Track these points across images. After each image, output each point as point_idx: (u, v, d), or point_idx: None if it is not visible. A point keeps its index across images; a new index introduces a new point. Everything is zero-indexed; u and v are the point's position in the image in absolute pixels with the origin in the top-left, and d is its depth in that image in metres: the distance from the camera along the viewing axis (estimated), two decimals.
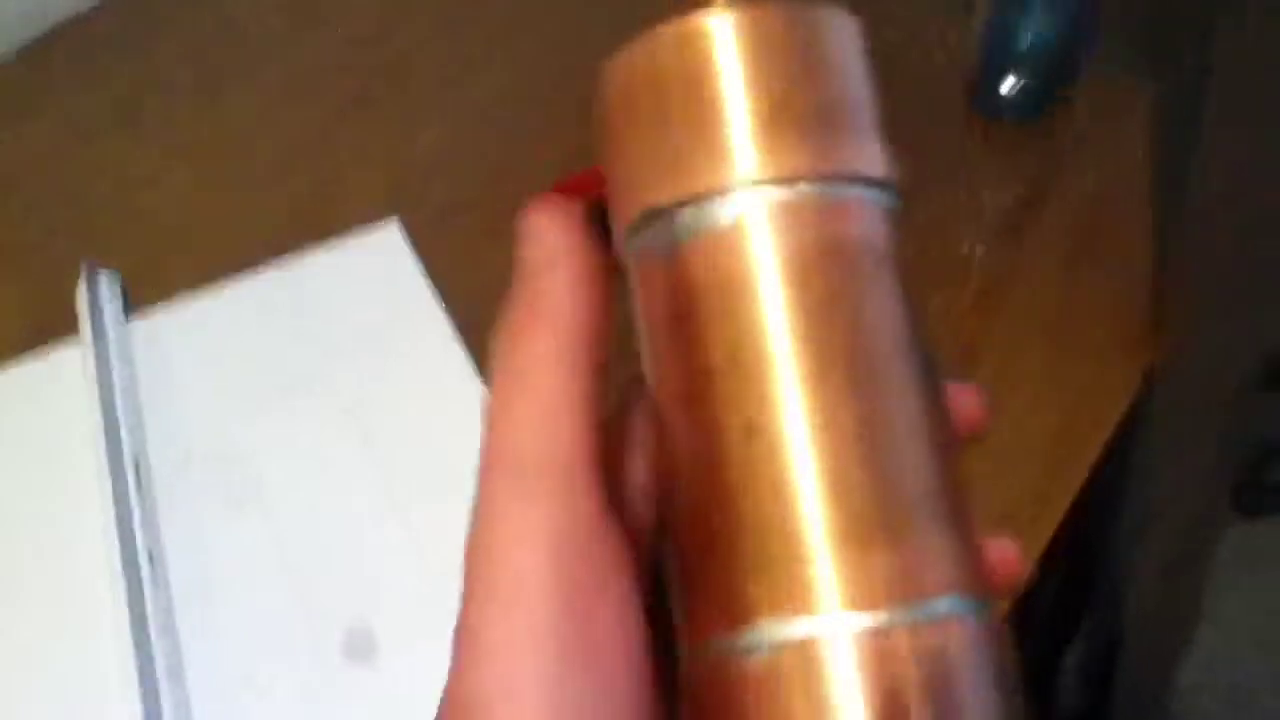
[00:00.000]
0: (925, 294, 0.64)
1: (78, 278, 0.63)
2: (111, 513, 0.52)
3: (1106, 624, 1.02)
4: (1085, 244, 0.61)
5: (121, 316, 0.62)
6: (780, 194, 0.21)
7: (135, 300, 0.64)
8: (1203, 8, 0.56)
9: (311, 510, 0.54)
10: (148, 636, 0.48)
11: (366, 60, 0.78)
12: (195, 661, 0.49)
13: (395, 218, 0.65)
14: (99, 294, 0.62)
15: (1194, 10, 0.60)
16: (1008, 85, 0.67)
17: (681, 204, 0.21)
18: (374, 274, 0.63)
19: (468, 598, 0.20)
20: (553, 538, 0.20)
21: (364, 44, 0.79)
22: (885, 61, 0.81)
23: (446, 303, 0.61)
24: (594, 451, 0.21)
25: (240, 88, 0.77)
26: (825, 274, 0.21)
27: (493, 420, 0.22)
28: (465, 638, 0.20)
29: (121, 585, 0.50)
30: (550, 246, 0.23)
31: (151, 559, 0.51)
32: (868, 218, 0.22)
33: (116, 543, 0.51)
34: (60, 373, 0.60)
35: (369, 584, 0.51)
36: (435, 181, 0.68)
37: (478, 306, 0.59)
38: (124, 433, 0.56)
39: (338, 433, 0.57)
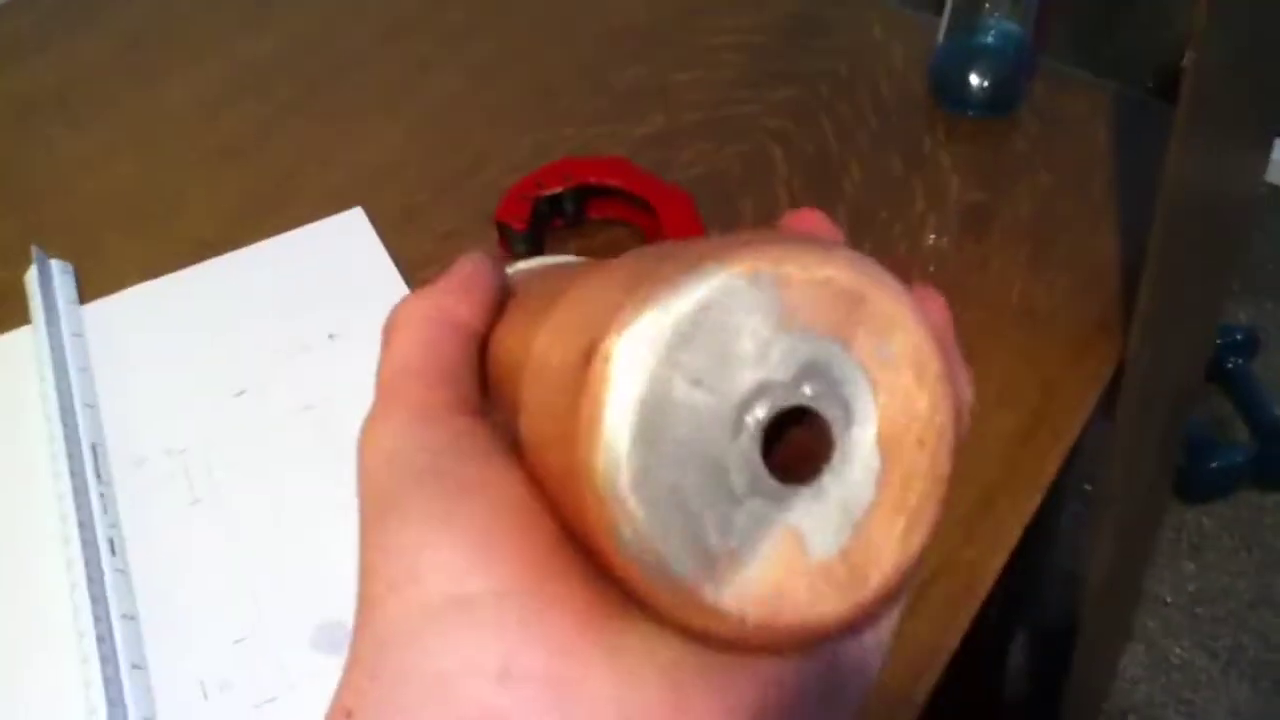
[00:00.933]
0: None
1: (25, 265, 0.61)
2: (70, 500, 0.51)
3: (1055, 613, 1.04)
4: (1048, 238, 0.62)
5: (75, 301, 0.61)
6: None
7: (84, 288, 0.62)
8: (1163, 12, 0.57)
9: (273, 503, 0.53)
10: (110, 626, 0.47)
11: (317, 57, 0.76)
12: (158, 652, 0.48)
13: (359, 206, 0.65)
14: (50, 278, 0.61)
15: (1156, 14, 0.61)
16: (971, 82, 0.68)
17: None
18: (339, 259, 0.62)
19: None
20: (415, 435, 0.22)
21: (315, 41, 0.78)
22: (853, 57, 0.81)
23: None
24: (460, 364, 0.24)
25: (185, 77, 0.75)
26: None
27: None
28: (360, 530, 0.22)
29: (81, 573, 0.49)
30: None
31: (113, 547, 0.50)
32: None
33: (76, 530, 0.50)
34: (10, 357, 0.59)
35: (337, 579, 0.50)
36: (388, 181, 0.67)
37: None
38: (80, 418, 0.55)
39: (297, 423, 0.56)
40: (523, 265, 0.29)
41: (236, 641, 0.49)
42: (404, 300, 0.25)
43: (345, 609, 0.52)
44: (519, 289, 0.26)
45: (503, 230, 0.61)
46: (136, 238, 0.65)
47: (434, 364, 0.24)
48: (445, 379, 0.23)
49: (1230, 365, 1.48)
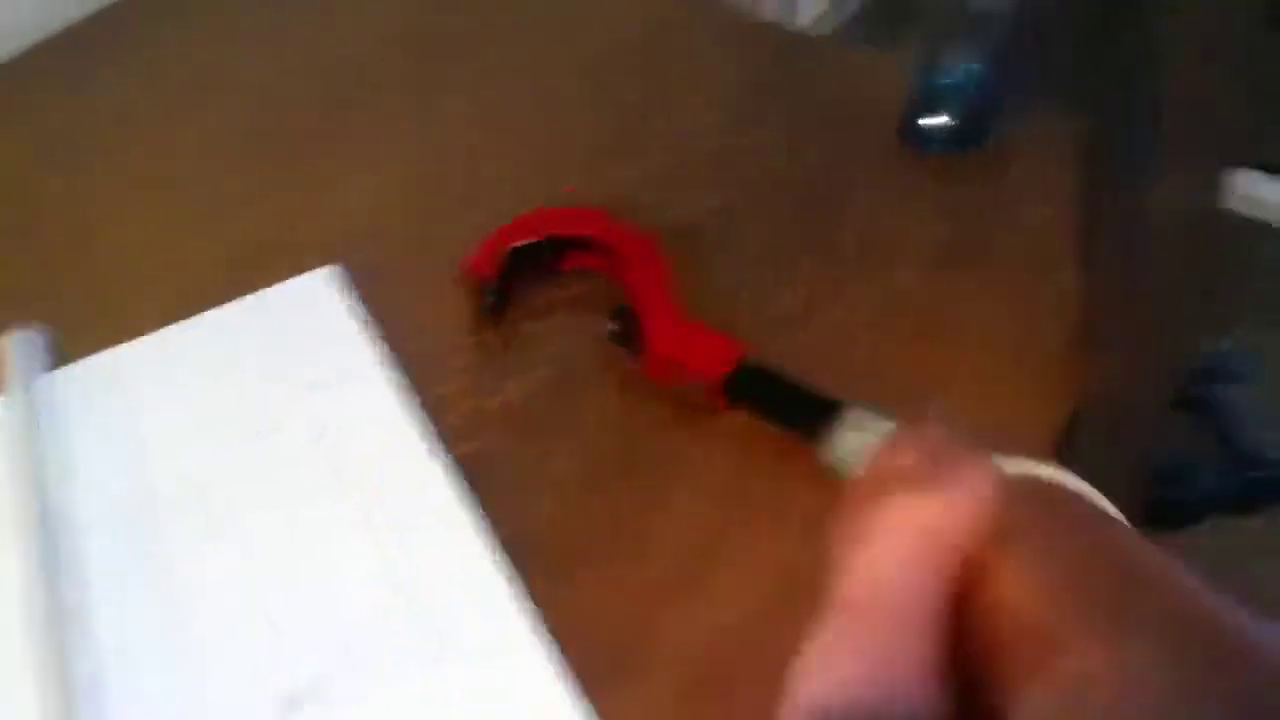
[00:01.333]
0: (863, 325, 0.64)
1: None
2: (35, 569, 0.50)
3: None
4: (1015, 275, 0.63)
5: (45, 366, 0.61)
6: None
7: (68, 348, 0.62)
8: (1132, 49, 0.58)
9: (235, 569, 0.52)
10: (73, 698, 0.47)
11: (298, 114, 0.77)
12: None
13: (336, 264, 0.65)
14: (27, 344, 0.61)
15: (1124, 50, 0.62)
16: (935, 120, 0.68)
17: None
18: (311, 318, 0.62)
19: None
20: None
21: (297, 97, 0.78)
22: (819, 96, 0.81)
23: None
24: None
25: (166, 137, 0.76)
26: None
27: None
28: None
29: (45, 643, 0.48)
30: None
31: (76, 617, 0.49)
32: None
33: (42, 598, 0.49)
34: None
35: (306, 644, 0.50)
36: (369, 236, 0.67)
37: (412, 362, 0.59)
38: (47, 487, 0.54)
39: (269, 486, 0.55)
40: (1018, 470, 0.23)
41: (208, 711, 0.48)
42: (900, 495, 0.19)
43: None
44: (1027, 532, 0.20)
45: (474, 283, 0.62)
46: (121, 299, 0.65)
47: (923, 621, 0.19)
48: (932, 654, 0.19)
49: (1204, 392, 1.49)
